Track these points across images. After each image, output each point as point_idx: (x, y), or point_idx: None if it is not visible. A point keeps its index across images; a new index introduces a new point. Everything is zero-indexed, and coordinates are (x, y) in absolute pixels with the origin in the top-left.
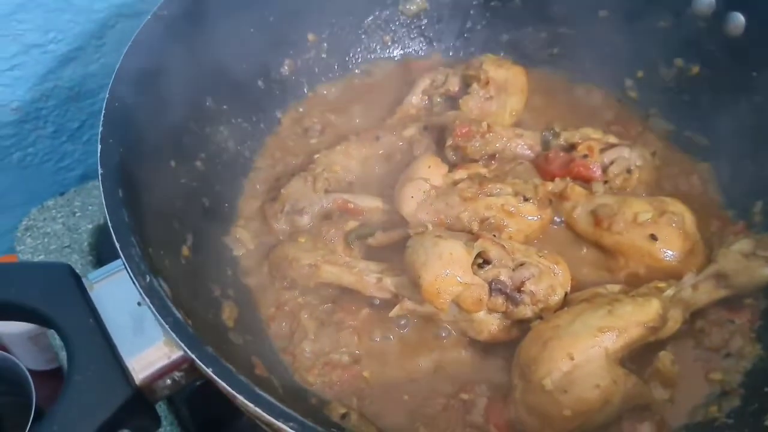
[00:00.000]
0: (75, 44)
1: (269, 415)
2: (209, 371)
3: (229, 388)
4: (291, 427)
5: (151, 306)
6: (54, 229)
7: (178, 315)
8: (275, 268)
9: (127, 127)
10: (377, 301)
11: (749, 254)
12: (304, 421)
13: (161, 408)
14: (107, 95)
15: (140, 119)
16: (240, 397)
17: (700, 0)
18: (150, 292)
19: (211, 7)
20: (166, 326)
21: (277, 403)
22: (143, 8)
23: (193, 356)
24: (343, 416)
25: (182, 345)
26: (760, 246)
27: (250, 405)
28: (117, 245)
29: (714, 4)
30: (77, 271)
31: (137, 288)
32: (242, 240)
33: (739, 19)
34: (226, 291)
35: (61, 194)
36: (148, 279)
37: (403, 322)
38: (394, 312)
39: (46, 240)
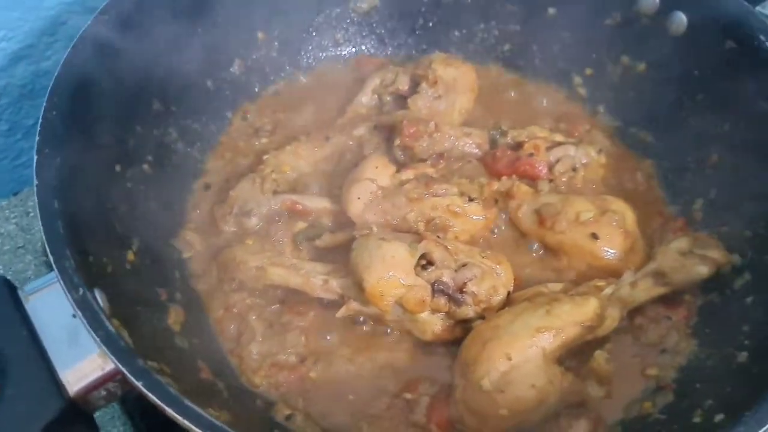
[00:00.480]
0: (26, 42)
1: (197, 427)
2: (139, 384)
3: (158, 401)
4: None
5: (83, 319)
6: (7, 230)
7: (110, 328)
8: (223, 270)
9: (66, 135)
10: (325, 302)
11: (686, 252)
12: None
13: (114, 408)
14: (44, 104)
15: (81, 126)
16: (168, 410)
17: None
18: (83, 305)
19: (155, 9)
20: (97, 339)
21: (205, 415)
22: (94, 5)
23: (123, 369)
24: (288, 417)
25: (112, 358)
26: (696, 244)
27: (179, 417)
28: (51, 258)
29: (657, 3)
30: (31, 272)
31: (70, 301)
32: (191, 242)
33: (681, 18)
34: (174, 295)
35: (15, 194)
36: (81, 292)
37: (357, 320)
38: (341, 313)
39: None
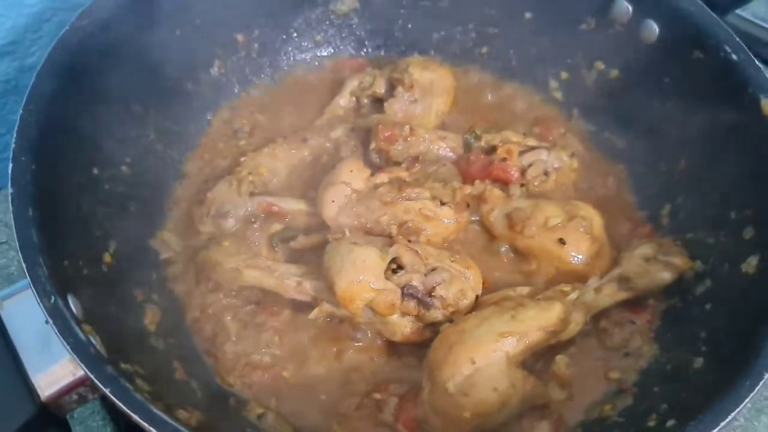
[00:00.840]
0: (9, 38)
1: None
2: (106, 390)
3: (124, 408)
4: None
5: (54, 327)
6: None
7: (80, 335)
8: (200, 271)
9: (43, 142)
10: (299, 303)
11: (650, 258)
12: None
13: (94, 403)
14: (21, 111)
15: (59, 132)
16: (134, 417)
17: (618, 6)
18: (54, 312)
19: (133, 13)
20: (67, 346)
21: (171, 421)
22: (78, 1)
23: (91, 376)
24: (260, 416)
25: (81, 365)
26: (660, 250)
27: (144, 424)
28: (24, 266)
29: (630, 12)
30: (14, 267)
31: (42, 309)
32: (169, 243)
33: (652, 26)
34: (150, 295)
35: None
36: (53, 300)
37: (330, 321)
38: (313, 315)
39: None
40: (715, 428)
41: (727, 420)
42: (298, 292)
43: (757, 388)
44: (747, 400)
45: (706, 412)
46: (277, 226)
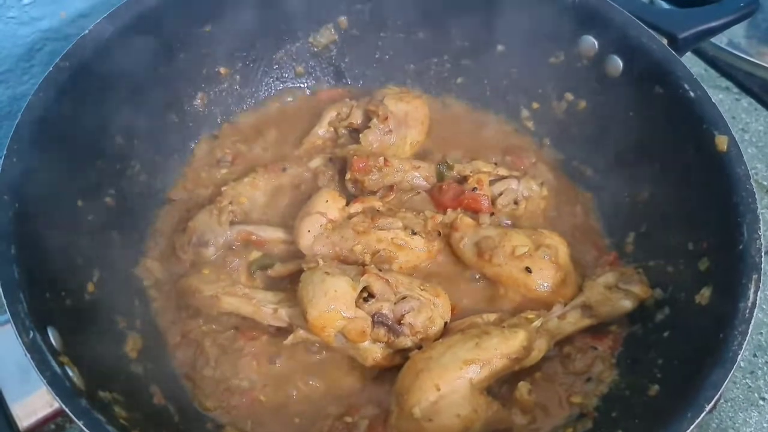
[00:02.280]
0: (2, 67)
1: None
2: (80, 423)
3: None
4: None
5: (32, 361)
6: None
7: (57, 369)
8: (181, 298)
9: (26, 180)
10: (276, 329)
11: (612, 286)
12: None
13: None
14: (4, 152)
15: (42, 168)
16: None
17: (584, 41)
18: (32, 347)
19: (118, 49)
20: (44, 380)
21: None
22: (70, 32)
23: (66, 409)
24: None
25: (57, 398)
26: (622, 279)
27: None
28: (5, 302)
29: (596, 47)
30: None
31: (20, 344)
32: (152, 271)
33: (617, 62)
34: (133, 322)
35: None
36: (31, 335)
37: (308, 347)
38: (289, 341)
39: None
40: None
41: None
42: (275, 319)
43: (698, 420)
44: (688, 431)
45: None
46: (255, 254)
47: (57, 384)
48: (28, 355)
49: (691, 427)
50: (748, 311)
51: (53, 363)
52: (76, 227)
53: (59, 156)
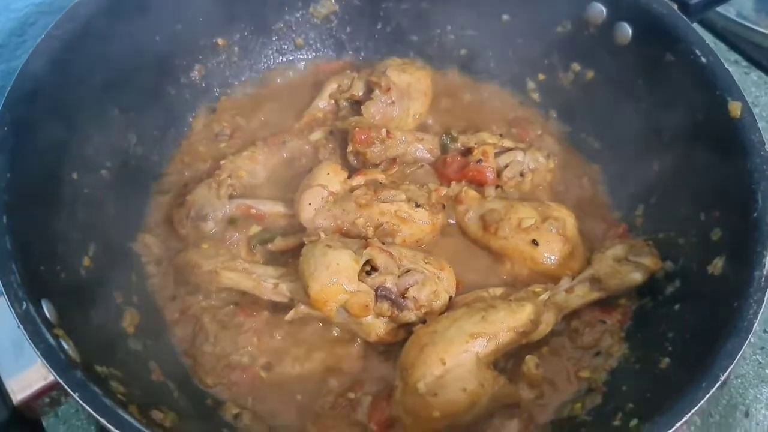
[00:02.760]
0: None
1: None
2: (75, 395)
3: (92, 411)
4: None
5: (25, 333)
6: None
7: (51, 341)
8: (179, 273)
9: (20, 149)
10: (276, 304)
11: (621, 259)
12: None
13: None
14: None
15: (35, 139)
16: (102, 420)
17: (592, 8)
18: (25, 319)
19: (113, 18)
20: (38, 352)
21: (138, 425)
22: (63, 4)
23: (60, 381)
24: (236, 416)
25: (51, 370)
26: (632, 251)
27: (111, 428)
28: None
29: (604, 14)
30: None
31: (13, 315)
32: (149, 246)
33: (626, 29)
34: (130, 297)
35: None
36: (24, 306)
37: (307, 322)
38: (289, 316)
39: None
40: (671, 428)
41: (683, 420)
42: (275, 294)
43: (712, 390)
44: (702, 401)
45: (662, 413)
46: (255, 228)
47: (51, 356)
48: (21, 327)
49: (706, 396)
50: (763, 279)
51: (47, 335)
52: (72, 200)
53: (52, 126)
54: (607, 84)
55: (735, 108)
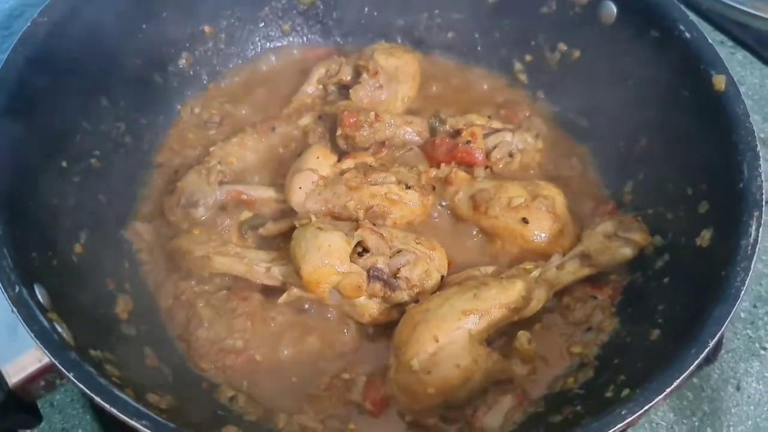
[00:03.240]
0: None
1: (123, 414)
2: (69, 375)
3: (87, 391)
4: (143, 425)
5: (18, 315)
6: None
7: (45, 323)
8: (171, 259)
9: (9, 136)
10: (269, 288)
11: (611, 235)
12: (157, 418)
13: (73, 391)
14: None
15: (24, 127)
16: (97, 399)
17: None
18: (18, 301)
19: (96, 8)
20: (32, 334)
21: (134, 403)
22: None
23: (55, 362)
24: (231, 398)
25: (45, 351)
26: (621, 227)
27: (106, 406)
28: None
29: None
30: None
31: (6, 298)
32: (140, 233)
33: (611, 8)
34: (122, 284)
35: None
36: (17, 289)
37: (301, 305)
38: (282, 299)
39: None
40: (661, 394)
41: (674, 385)
42: (268, 278)
43: (702, 356)
44: (692, 367)
45: (652, 380)
46: (246, 214)
47: (45, 337)
48: (15, 310)
49: (696, 362)
50: (750, 247)
51: (41, 317)
52: (62, 188)
53: (40, 113)
54: (593, 63)
55: (719, 81)
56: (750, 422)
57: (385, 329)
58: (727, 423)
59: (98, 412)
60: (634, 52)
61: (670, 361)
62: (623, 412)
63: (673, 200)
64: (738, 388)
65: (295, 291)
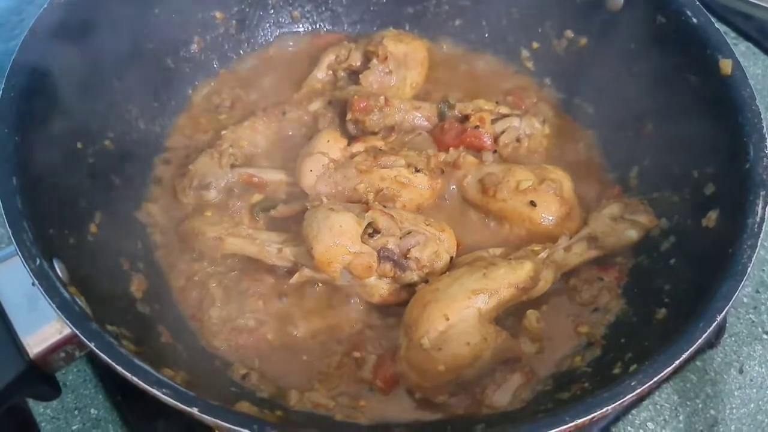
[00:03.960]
0: None
1: (144, 383)
2: (91, 345)
3: (109, 360)
4: (164, 393)
5: (40, 287)
6: None
7: (66, 295)
8: (184, 241)
9: (25, 115)
10: (280, 269)
11: (617, 218)
12: (177, 386)
13: (85, 372)
14: (3, 85)
15: (40, 107)
16: (119, 368)
17: None
18: (39, 274)
19: None
20: (53, 305)
21: (154, 372)
22: None
23: (77, 332)
24: (244, 376)
25: (67, 322)
26: (627, 210)
27: (128, 375)
28: (9, 231)
29: None
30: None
31: (27, 271)
32: (153, 215)
33: None
34: (136, 264)
35: None
36: (38, 262)
37: (312, 285)
38: (294, 279)
39: None
40: (670, 366)
41: (682, 359)
42: (280, 259)
43: (709, 330)
44: (700, 340)
45: (661, 353)
46: (257, 196)
47: (67, 308)
48: (36, 282)
49: (703, 336)
50: (756, 226)
51: (62, 289)
52: (77, 169)
53: (56, 94)
54: (600, 49)
55: (726, 65)
56: (752, 405)
57: (395, 309)
58: (729, 405)
59: (110, 392)
60: (641, 38)
61: (680, 335)
62: (633, 383)
63: (678, 183)
64: (741, 372)
65: (307, 271)
